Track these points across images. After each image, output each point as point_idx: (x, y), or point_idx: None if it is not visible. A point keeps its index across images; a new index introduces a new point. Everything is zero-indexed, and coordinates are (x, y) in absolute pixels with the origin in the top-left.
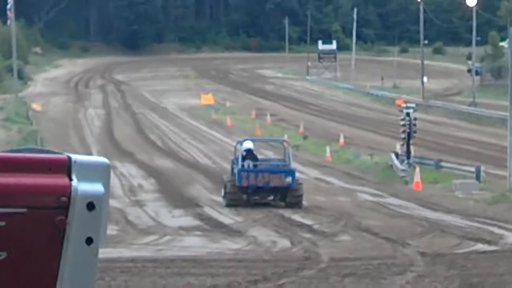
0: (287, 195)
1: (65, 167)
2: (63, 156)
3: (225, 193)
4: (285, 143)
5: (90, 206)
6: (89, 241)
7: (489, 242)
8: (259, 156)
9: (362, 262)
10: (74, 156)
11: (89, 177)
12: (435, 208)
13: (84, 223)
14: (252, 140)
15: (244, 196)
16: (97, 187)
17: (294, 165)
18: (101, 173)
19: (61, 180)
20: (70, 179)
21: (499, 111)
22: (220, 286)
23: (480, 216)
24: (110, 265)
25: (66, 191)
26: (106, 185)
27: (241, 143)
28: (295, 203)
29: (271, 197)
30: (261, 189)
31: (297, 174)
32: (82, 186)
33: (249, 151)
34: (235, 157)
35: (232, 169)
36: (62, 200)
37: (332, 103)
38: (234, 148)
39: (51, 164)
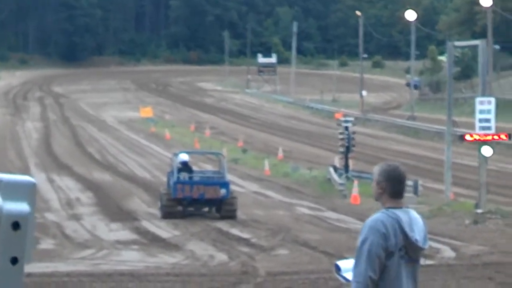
0: (221, 207)
1: None
2: None
3: (161, 205)
4: (220, 156)
5: (15, 226)
6: (14, 260)
7: (425, 256)
8: (196, 169)
9: (299, 276)
10: None
11: (15, 196)
12: None
13: (9, 242)
14: (188, 153)
15: (180, 208)
16: (22, 207)
17: (229, 177)
18: (26, 192)
19: None
20: None
21: (436, 125)
22: None
23: None
24: (45, 279)
25: None
26: (32, 204)
27: (177, 155)
28: (230, 215)
29: (206, 209)
30: (196, 201)
31: (234, 187)
32: (7, 206)
33: (184, 164)
34: (171, 169)
35: (168, 181)
36: None
37: (272, 116)
38: (170, 160)
39: None
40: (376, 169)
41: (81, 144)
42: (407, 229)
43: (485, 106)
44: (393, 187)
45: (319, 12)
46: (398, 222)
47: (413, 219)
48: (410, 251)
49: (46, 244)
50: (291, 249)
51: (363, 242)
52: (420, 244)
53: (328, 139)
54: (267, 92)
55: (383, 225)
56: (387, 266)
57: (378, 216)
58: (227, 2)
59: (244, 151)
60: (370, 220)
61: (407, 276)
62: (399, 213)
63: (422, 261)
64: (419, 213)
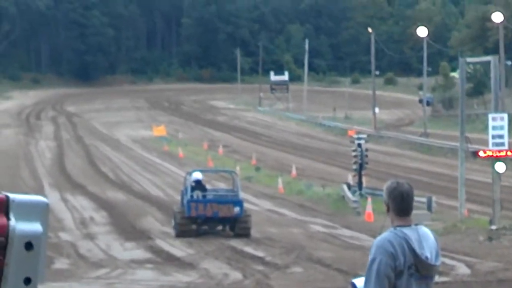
0: (235, 225)
1: (3, 206)
2: (1, 195)
3: (175, 223)
4: (234, 174)
5: (28, 246)
6: (27, 281)
7: (440, 273)
8: (209, 187)
9: None
10: (12, 195)
11: (28, 217)
12: None
13: (22, 263)
14: (202, 171)
15: (194, 226)
16: (35, 227)
17: (243, 195)
18: (39, 212)
19: None
20: (8, 219)
21: (450, 142)
22: None
23: None
24: None
25: (4, 231)
26: (45, 224)
27: (190, 173)
28: (244, 233)
29: (220, 227)
30: (210, 219)
31: (248, 205)
32: (20, 226)
33: (198, 182)
34: (184, 187)
35: (182, 199)
36: (0, 240)
37: (284, 134)
38: (183, 179)
39: None
40: (384, 188)
41: (95, 163)
42: (416, 247)
43: (497, 122)
44: (397, 204)
45: (330, 29)
46: (406, 240)
47: (423, 236)
48: (421, 268)
49: (61, 263)
50: (305, 267)
51: (372, 262)
52: (431, 261)
53: (341, 156)
54: (279, 109)
55: (391, 245)
56: (397, 285)
57: (386, 235)
58: (239, 20)
59: (257, 169)
60: (378, 239)
61: None
62: (407, 231)
63: (436, 278)
64: (431, 230)
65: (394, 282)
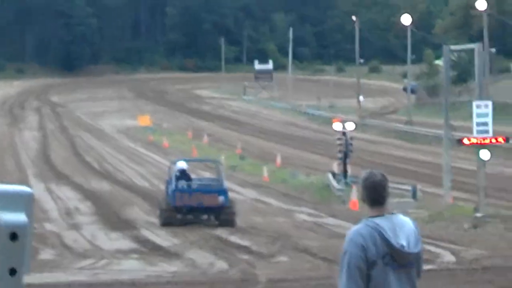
0: (220, 215)
1: None
2: None
3: (160, 213)
4: (218, 163)
5: (13, 236)
6: (12, 272)
7: (426, 261)
8: (194, 177)
9: (300, 283)
10: None
11: (12, 207)
12: None
13: (7, 253)
14: (186, 160)
15: (179, 216)
16: (20, 217)
17: (228, 184)
18: (24, 202)
19: None
20: None
21: (434, 129)
22: None
23: None
24: None
25: None
26: (29, 214)
27: (174, 163)
28: (229, 222)
29: (205, 217)
30: (195, 208)
31: (233, 195)
32: (5, 216)
33: (182, 171)
34: (169, 177)
35: (167, 189)
36: None
37: (269, 122)
38: (168, 168)
39: None
40: None
41: (79, 153)
42: (389, 236)
43: (482, 110)
44: (369, 195)
45: (315, 18)
46: (378, 230)
47: (398, 225)
48: (397, 257)
49: (46, 254)
50: (291, 256)
51: (344, 255)
52: (408, 249)
53: (325, 145)
54: (264, 98)
55: (361, 236)
56: (371, 276)
57: (357, 227)
58: (223, 9)
59: (242, 158)
60: (349, 232)
61: (399, 283)
62: (380, 221)
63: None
64: (412, 218)
65: (367, 272)
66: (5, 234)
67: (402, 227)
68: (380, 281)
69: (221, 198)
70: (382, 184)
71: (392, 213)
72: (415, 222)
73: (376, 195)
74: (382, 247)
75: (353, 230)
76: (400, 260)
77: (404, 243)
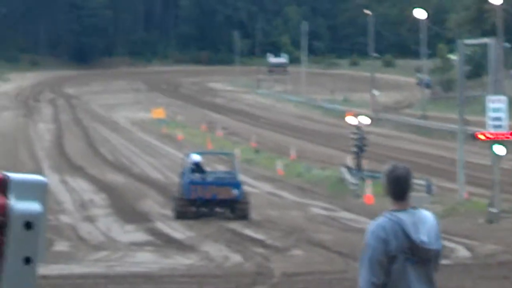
0: (234, 207)
1: (1, 186)
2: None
3: (174, 205)
4: (232, 156)
5: (28, 225)
6: (27, 260)
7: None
8: (208, 170)
9: (314, 277)
10: (10, 175)
11: (27, 196)
12: None
13: (22, 242)
14: (200, 153)
15: (193, 209)
16: (34, 206)
17: (243, 178)
18: (38, 191)
19: None
20: (7, 198)
21: (449, 124)
22: None
23: None
24: (61, 282)
25: (3, 210)
26: (44, 203)
27: (188, 155)
28: (242, 215)
29: (219, 209)
30: (209, 201)
31: (248, 188)
32: (19, 205)
33: (197, 164)
34: (183, 170)
35: (181, 182)
36: None
37: (283, 116)
38: (182, 161)
39: None
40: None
41: (94, 145)
42: (410, 231)
43: (496, 105)
44: (392, 189)
45: (328, 11)
46: (400, 225)
47: (420, 220)
48: (417, 252)
49: (61, 246)
50: (305, 250)
51: (365, 248)
52: (428, 245)
53: (339, 139)
54: (278, 92)
55: (383, 230)
56: (391, 270)
57: (379, 220)
58: (236, 2)
59: (257, 151)
60: (371, 225)
61: (418, 277)
62: (402, 215)
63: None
64: (432, 213)
65: (387, 266)
66: (20, 223)
67: (424, 223)
68: (399, 276)
69: (235, 191)
70: (406, 178)
71: (415, 208)
72: (436, 217)
73: (399, 189)
74: (403, 242)
75: (375, 223)
76: (420, 255)
77: (425, 239)
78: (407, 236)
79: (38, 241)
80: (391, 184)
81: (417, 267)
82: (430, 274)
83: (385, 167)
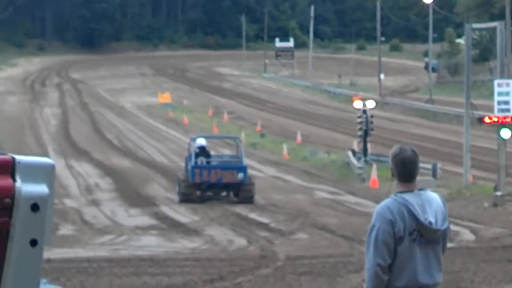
0: (239, 191)
1: (8, 168)
2: (7, 157)
3: (179, 190)
4: (238, 140)
5: (35, 208)
6: (33, 243)
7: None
8: (214, 154)
9: (318, 260)
10: (18, 157)
11: (34, 178)
12: None
13: (28, 224)
14: (206, 137)
15: (198, 193)
16: (41, 188)
17: (248, 162)
18: (45, 174)
19: (5, 181)
20: (14, 180)
21: (455, 108)
22: (176, 285)
23: None
24: (65, 265)
25: (10, 193)
26: (51, 186)
27: (194, 140)
28: (247, 199)
29: (224, 193)
30: (214, 185)
31: (253, 172)
32: (26, 187)
33: (202, 148)
34: (188, 154)
35: (186, 166)
36: (6, 202)
37: (289, 100)
38: (188, 145)
39: None
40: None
41: (100, 130)
42: (417, 212)
43: (503, 89)
44: (399, 170)
45: None
46: (407, 206)
47: (427, 201)
48: (424, 233)
49: (66, 230)
50: (310, 233)
51: (371, 229)
52: (435, 225)
53: (346, 123)
54: (284, 76)
55: (390, 211)
56: (398, 251)
57: (386, 202)
58: None
59: (262, 135)
60: (379, 206)
61: (425, 258)
62: (409, 196)
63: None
64: (439, 194)
65: (394, 247)
66: (27, 205)
67: (431, 204)
68: (406, 257)
69: (240, 175)
70: (412, 160)
71: (421, 189)
72: (443, 199)
73: (405, 171)
74: (410, 223)
75: (382, 204)
76: (427, 236)
77: (432, 220)
78: (414, 217)
79: (44, 223)
80: (398, 166)
81: (425, 248)
82: (438, 255)
83: (392, 149)
